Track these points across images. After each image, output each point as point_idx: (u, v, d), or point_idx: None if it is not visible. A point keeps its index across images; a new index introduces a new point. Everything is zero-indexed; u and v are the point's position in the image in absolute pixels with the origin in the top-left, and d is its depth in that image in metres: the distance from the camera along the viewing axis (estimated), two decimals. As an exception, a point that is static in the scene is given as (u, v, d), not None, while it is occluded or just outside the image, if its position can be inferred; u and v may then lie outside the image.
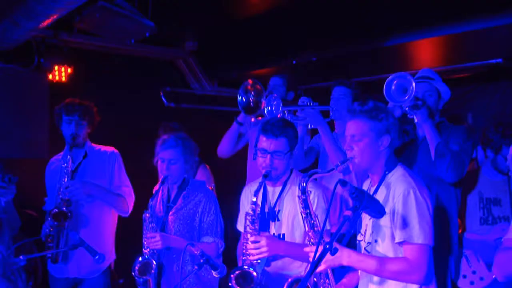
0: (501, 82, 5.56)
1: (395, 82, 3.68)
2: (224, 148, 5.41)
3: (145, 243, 3.95)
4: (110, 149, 4.70)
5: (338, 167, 3.07)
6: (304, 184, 3.16)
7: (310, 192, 3.39)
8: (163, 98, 5.73)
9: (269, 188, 3.70)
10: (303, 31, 5.65)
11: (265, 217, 3.62)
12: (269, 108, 4.24)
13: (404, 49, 5.39)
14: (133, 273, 3.91)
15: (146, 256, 3.92)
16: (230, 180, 5.67)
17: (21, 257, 3.41)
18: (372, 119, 3.06)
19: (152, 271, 3.89)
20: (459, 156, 3.81)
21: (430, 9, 4.73)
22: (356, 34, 5.44)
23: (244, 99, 4.39)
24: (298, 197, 3.22)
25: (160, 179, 4.09)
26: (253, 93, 4.36)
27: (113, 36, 5.59)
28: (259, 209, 3.57)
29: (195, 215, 4.08)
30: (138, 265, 3.92)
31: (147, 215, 3.96)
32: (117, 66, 6.67)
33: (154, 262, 3.91)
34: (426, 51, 5.48)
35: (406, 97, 3.68)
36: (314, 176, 3.18)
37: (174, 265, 4.05)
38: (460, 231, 4.27)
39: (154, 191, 4.13)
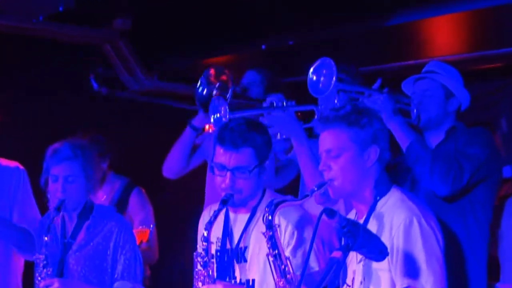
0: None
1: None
2: (174, 164, 4.84)
3: None
4: (13, 164, 4.42)
5: (314, 193, 3.00)
6: (270, 217, 3.04)
7: (279, 225, 3.26)
8: (92, 82, 5.77)
9: (232, 216, 3.47)
10: (276, 6, 5.34)
11: (227, 257, 3.42)
12: (217, 115, 3.95)
13: (414, 30, 5.26)
14: None
15: None
16: (183, 204, 5.75)
17: None
18: (352, 126, 2.97)
19: None
20: (448, 157, 3.62)
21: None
22: (350, 10, 5.15)
23: (205, 91, 4.23)
24: (263, 234, 3.11)
25: (50, 205, 3.87)
26: (218, 85, 4.22)
27: (15, 10, 5.51)
28: (214, 247, 3.39)
29: (105, 252, 3.89)
30: None
31: (41, 256, 3.75)
32: (22, 52, 6.22)
33: None
34: (442, 32, 5.34)
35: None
36: (284, 205, 3.07)
37: None
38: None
39: (43, 222, 3.93)
